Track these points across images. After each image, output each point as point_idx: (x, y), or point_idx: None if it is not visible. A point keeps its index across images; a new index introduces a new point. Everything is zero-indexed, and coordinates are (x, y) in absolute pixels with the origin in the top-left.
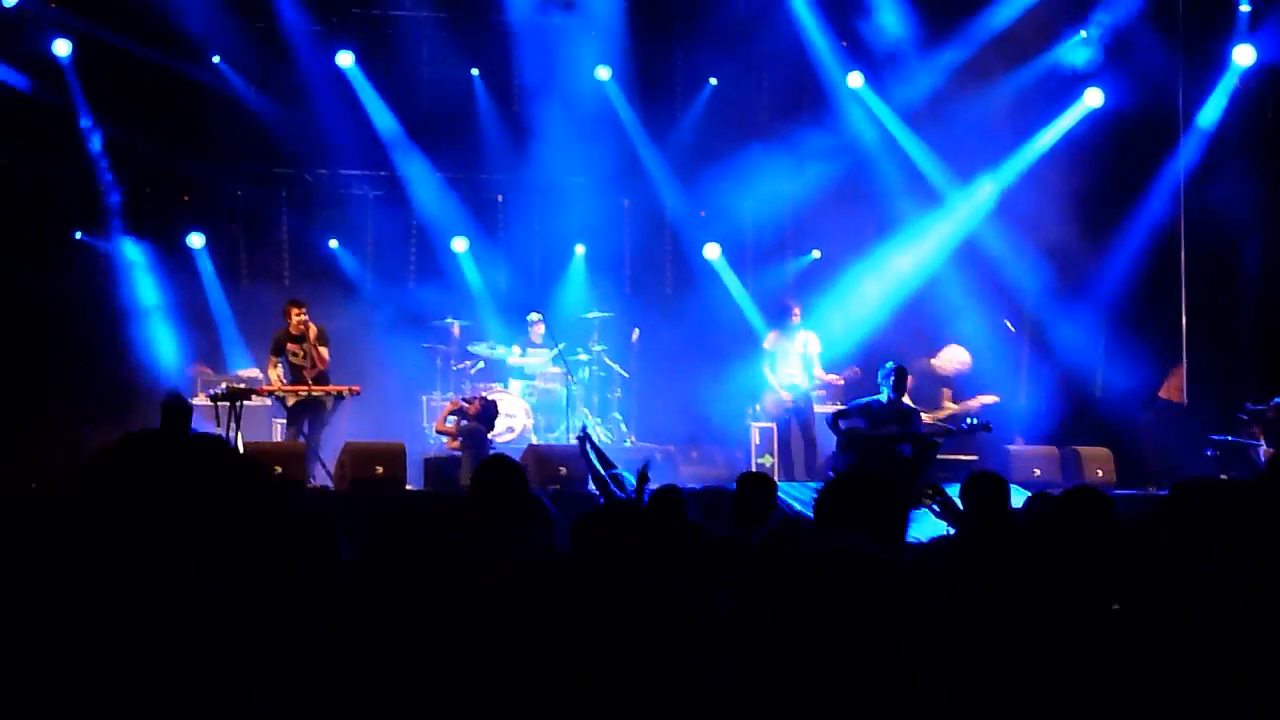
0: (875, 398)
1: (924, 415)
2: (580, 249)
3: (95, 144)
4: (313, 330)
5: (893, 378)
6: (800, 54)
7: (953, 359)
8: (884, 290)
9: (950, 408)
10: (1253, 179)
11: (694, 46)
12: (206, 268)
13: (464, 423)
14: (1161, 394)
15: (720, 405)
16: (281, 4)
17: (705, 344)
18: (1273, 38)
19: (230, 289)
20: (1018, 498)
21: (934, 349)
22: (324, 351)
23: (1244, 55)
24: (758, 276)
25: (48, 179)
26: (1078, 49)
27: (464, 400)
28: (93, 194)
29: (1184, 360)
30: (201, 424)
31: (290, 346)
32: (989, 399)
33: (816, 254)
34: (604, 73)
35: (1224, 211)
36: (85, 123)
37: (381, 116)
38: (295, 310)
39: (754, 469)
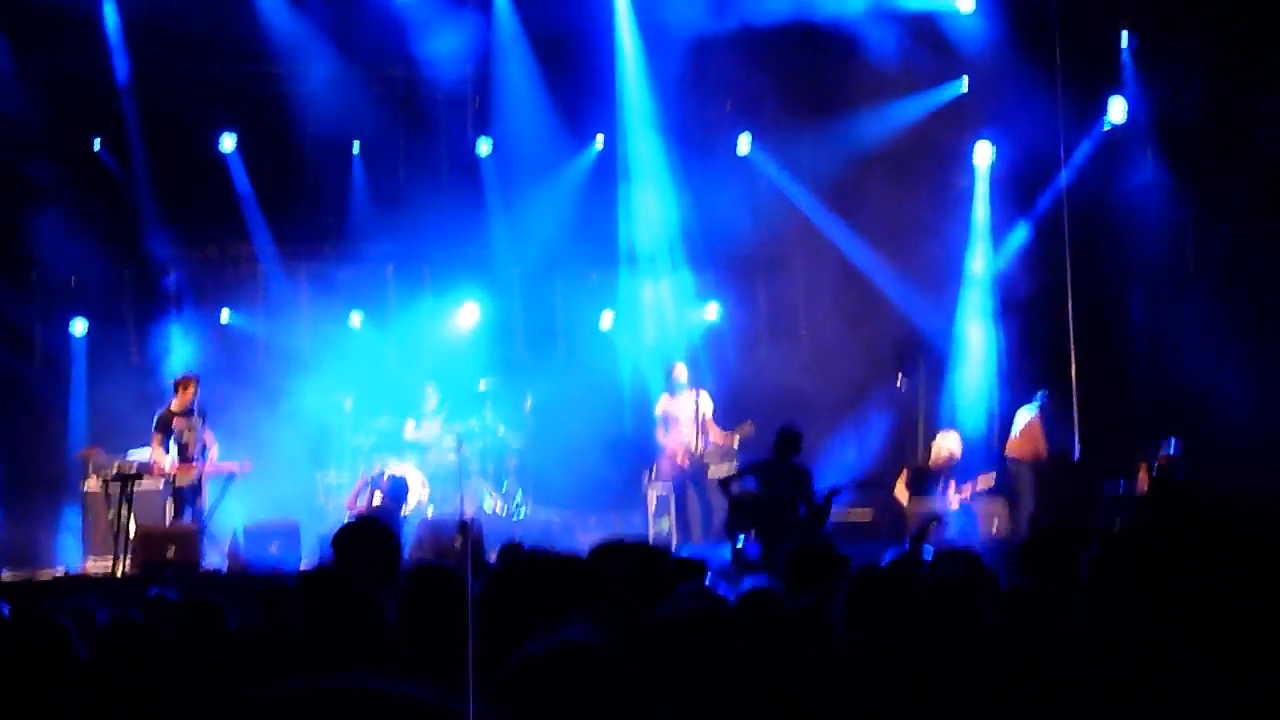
0: (766, 459)
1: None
2: (469, 315)
3: None
4: (198, 408)
5: (778, 441)
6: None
7: (940, 450)
8: (784, 345)
9: (953, 499)
10: (1133, 232)
11: (583, 102)
12: (86, 353)
13: (376, 500)
14: (1008, 450)
15: (616, 470)
16: (164, 86)
17: (599, 409)
18: (1149, 91)
19: (121, 372)
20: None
21: (824, 401)
22: (209, 434)
23: (1117, 109)
24: (652, 336)
25: None
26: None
27: (373, 478)
28: None
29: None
30: (92, 507)
31: (177, 423)
32: (987, 480)
33: (715, 308)
34: (484, 146)
35: (1108, 263)
36: None
37: (269, 192)
38: (186, 386)
39: (652, 533)
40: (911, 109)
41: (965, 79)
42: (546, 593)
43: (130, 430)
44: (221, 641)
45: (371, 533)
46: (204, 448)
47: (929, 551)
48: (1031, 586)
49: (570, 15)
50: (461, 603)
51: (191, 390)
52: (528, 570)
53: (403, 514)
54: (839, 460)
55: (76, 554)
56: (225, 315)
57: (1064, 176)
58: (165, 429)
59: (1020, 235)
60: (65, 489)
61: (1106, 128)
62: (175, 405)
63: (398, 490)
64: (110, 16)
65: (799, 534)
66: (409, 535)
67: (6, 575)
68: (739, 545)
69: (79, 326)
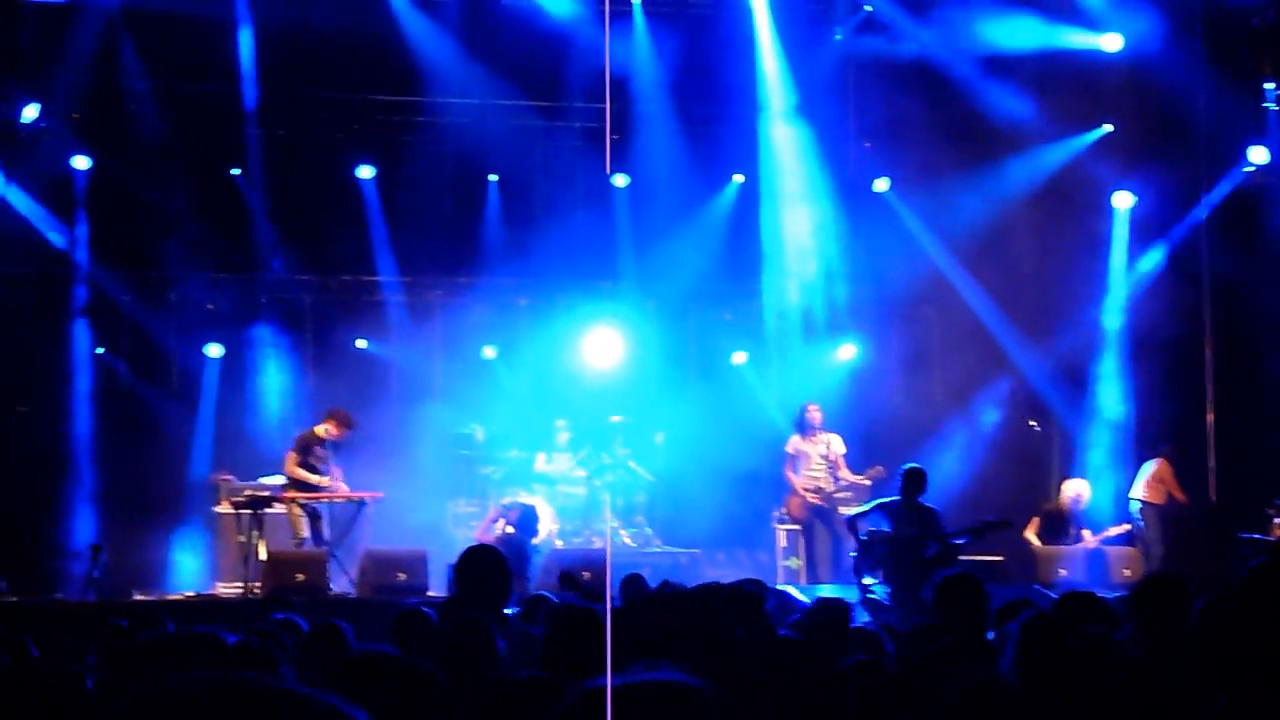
0: (893, 499)
1: None
2: (602, 349)
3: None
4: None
5: (903, 481)
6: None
7: (1066, 495)
8: (919, 385)
9: (1085, 545)
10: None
11: (716, 146)
12: (224, 372)
13: (506, 530)
14: (1138, 496)
15: (746, 508)
16: (302, 113)
17: (731, 446)
18: None
19: (252, 394)
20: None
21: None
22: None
23: (1259, 154)
24: (786, 374)
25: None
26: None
27: (505, 507)
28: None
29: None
30: (223, 531)
31: (318, 450)
32: (1119, 529)
33: (852, 349)
34: (620, 180)
35: (1247, 308)
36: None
37: (403, 224)
38: (341, 423)
39: (780, 571)
40: (1055, 154)
41: (1108, 123)
42: (663, 627)
43: (258, 456)
44: (342, 665)
45: (486, 560)
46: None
47: (1053, 592)
48: (1137, 634)
49: (712, 51)
50: (590, 635)
51: (344, 430)
52: (647, 604)
53: (532, 544)
54: (970, 502)
55: (206, 577)
56: (360, 343)
57: (1203, 215)
58: (305, 451)
59: (1155, 259)
60: (195, 512)
61: (1248, 169)
62: (321, 432)
63: (527, 520)
64: (245, 42)
65: (928, 575)
66: (538, 566)
67: (137, 596)
68: (868, 586)
69: (214, 350)
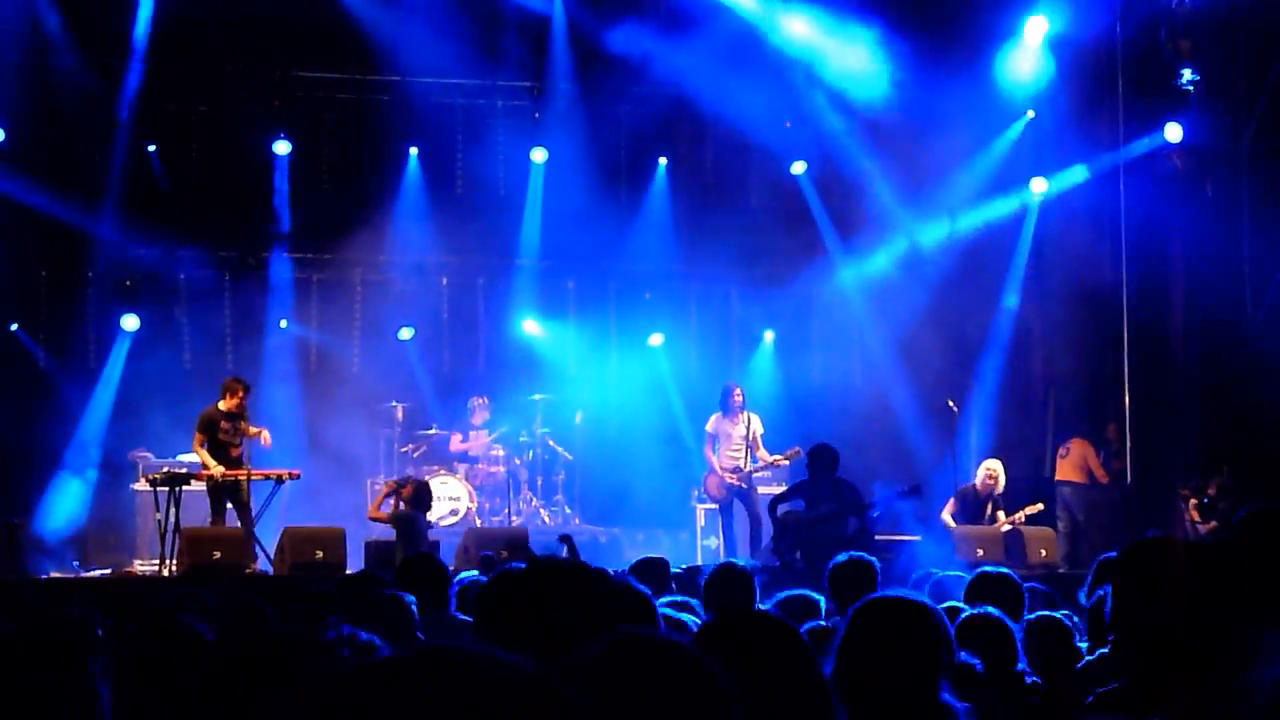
0: (806, 479)
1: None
2: (524, 327)
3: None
4: (244, 412)
5: (812, 460)
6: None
7: (982, 475)
8: (829, 370)
9: (1001, 525)
10: (1184, 261)
11: (640, 126)
12: (144, 350)
13: (399, 508)
14: (1059, 476)
15: (666, 487)
16: (220, 87)
17: (649, 426)
18: (1207, 119)
19: (172, 371)
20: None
21: (874, 427)
22: (252, 430)
23: (1174, 132)
24: (703, 356)
25: None
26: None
27: (397, 483)
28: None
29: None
30: (142, 509)
31: (223, 424)
32: (1033, 509)
33: (769, 335)
34: (539, 154)
35: (1160, 295)
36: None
37: (322, 199)
38: (235, 390)
39: (699, 551)
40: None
41: (1030, 111)
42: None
43: (175, 433)
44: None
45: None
46: (245, 454)
47: (971, 572)
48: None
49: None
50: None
51: (240, 395)
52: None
53: (426, 520)
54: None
55: (124, 554)
56: (283, 323)
57: (1116, 166)
58: (210, 429)
59: (1079, 174)
60: (110, 487)
61: (1161, 146)
62: (222, 406)
63: (421, 497)
64: (145, 14)
65: (848, 551)
66: (435, 544)
67: (54, 574)
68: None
69: (130, 323)
